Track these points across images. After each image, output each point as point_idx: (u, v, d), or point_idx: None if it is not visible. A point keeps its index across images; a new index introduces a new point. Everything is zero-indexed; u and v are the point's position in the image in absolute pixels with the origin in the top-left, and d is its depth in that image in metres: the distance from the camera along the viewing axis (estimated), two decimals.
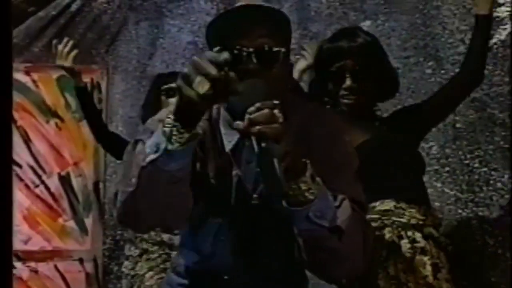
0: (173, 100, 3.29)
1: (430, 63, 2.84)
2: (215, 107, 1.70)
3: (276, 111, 1.40)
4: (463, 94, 2.55)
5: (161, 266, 3.14)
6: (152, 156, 1.44)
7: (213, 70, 1.37)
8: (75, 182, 4.21)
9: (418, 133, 2.58)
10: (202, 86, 1.37)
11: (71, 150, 4.22)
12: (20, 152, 4.16)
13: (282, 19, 1.64)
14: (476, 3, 2.43)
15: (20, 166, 4.16)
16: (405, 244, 2.27)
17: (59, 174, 4.20)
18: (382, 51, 2.51)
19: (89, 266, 4.17)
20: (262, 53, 1.57)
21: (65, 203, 4.19)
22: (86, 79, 4.07)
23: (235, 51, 1.55)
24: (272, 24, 1.60)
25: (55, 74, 4.22)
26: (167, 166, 1.45)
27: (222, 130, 1.69)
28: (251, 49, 1.56)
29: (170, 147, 1.43)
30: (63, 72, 4.07)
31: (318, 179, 1.51)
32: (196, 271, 1.79)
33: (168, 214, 1.58)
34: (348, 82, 2.37)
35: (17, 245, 4.08)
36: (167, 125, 1.44)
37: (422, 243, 2.28)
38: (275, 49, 1.59)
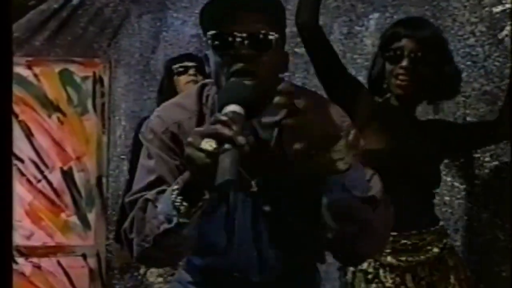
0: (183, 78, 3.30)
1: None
2: (206, 104, 1.75)
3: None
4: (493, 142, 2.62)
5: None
6: (166, 226, 1.53)
7: (217, 128, 1.41)
8: (78, 177, 4.19)
9: (447, 152, 2.57)
10: (209, 145, 1.41)
11: (74, 145, 4.20)
12: (22, 147, 4.13)
13: (277, 6, 1.65)
14: None
15: (22, 161, 4.14)
16: None
17: (61, 169, 4.18)
18: (447, 48, 2.49)
19: (92, 262, 4.16)
20: (255, 38, 1.58)
21: (67, 198, 4.18)
22: (88, 73, 4.19)
23: (229, 37, 1.57)
24: (266, 11, 1.60)
25: (57, 68, 4.20)
26: (181, 232, 1.54)
27: None
28: (244, 34, 1.57)
29: (181, 220, 1.51)
30: (65, 66, 4.18)
31: (353, 150, 1.46)
32: (206, 268, 1.82)
33: (184, 253, 1.74)
34: (404, 62, 2.37)
35: (20, 240, 4.07)
36: (174, 200, 1.52)
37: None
38: (269, 35, 1.59)
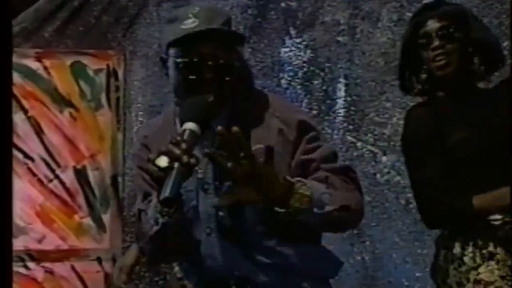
0: None
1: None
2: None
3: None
4: None
5: None
6: (156, 228, 1.85)
7: (169, 147, 1.68)
8: (92, 176, 4.09)
9: None
10: (162, 161, 1.68)
11: (87, 142, 4.09)
12: (32, 145, 4.03)
13: (232, 35, 1.95)
14: None
15: (32, 159, 4.02)
16: None
17: (74, 167, 4.07)
18: (473, 16, 2.52)
19: (108, 266, 4.06)
20: (218, 65, 1.85)
21: (81, 199, 4.07)
22: (101, 65, 4.07)
23: (196, 63, 1.84)
24: (224, 40, 1.88)
25: (68, 60, 4.08)
26: (168, 230, 1.84)
27: None
28: (210, 63, 1.84)
29: (164, 220, 1.82)
30: (77, 58, 4.06)
31: (301, 182, 1.75)
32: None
33: (180, 248, 1.99)
34: (435, 42, 2.39)
35: (31, 244, 4.00)
36: (155, 206, 1.82)
37: None
38: (232, 62, 1.88)
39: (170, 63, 1.90)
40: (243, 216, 1.90)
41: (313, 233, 2.00)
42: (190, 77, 1.84)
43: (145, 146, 2.01)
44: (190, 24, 1.85)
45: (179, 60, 1.85)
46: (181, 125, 1.74)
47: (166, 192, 1.63)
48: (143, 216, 1.93)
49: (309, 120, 1.97)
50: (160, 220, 1.82)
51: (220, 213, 1.91)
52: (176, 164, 1.64)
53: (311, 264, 1.97)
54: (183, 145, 1.66)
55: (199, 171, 1.89)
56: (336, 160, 1.94)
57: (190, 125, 1.71)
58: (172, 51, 1.88)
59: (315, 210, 1.74)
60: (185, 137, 1.69)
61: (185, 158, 1.65)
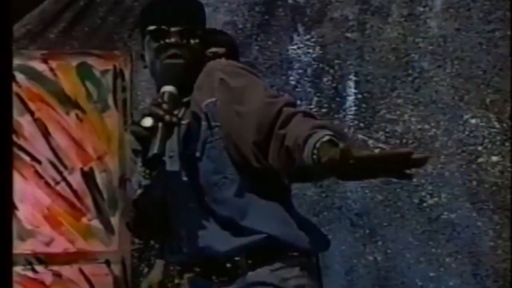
0: None
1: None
2: None
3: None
4: None
5: None
6: (139, 191, 1.99)
7: (152, 108, 1.88)
8: (99, 178, 4.06)
9: None
10: (145, 121, 1.85)
11: (94, 144, 4.07)
12: (38, 147, 4.01)
13: (198, 7, 2.22)
14: None
15: (39, 162, 4.00)
16: None
17: (81, 169, 4.04)
18: None
19: (116, 269, 4.04)
20: (184, 31, 2.08)
21: (89, 201, 4.05)
22: (107, 66, 4.05)
23: (164, 30, 2.07)
24: (191, 11, 2.16)
25: (74, 62, 4.06)
26: (150, 192, 1.99)
27: None
28: (176, 28, 2.06)
29: (145, 182, 1.97)
30: (83, 59, 4.04)
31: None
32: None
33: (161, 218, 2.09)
34: None
35: (39, 247, 3.98)
36: (139, 170, 1.97)
37: None
38: (196, 29, 2.11)
39: (146, 50, 2.14)
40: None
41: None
42: (159, 43, 2.05)
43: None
44: None
45: (151, 28, 2.08)
46: (158, 90, 1.95)
47: (154, 149, 1.79)
48: (128, 184, 2.08)
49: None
50: (143, 183, 1.96)
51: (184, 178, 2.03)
52: (160, 124, 1.82)
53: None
54: (164, 106, 1.85)
55: None
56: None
57: (168, 88, 1.90)
58: (149, 31, 2.10)
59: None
60: (165, 98, 1.87)
61: (167, 117, 1.83)
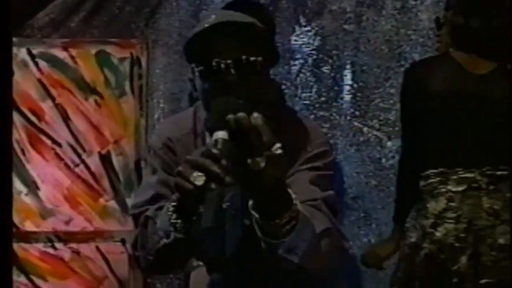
0: None
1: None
2: (199, 123, 1.90)
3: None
4: None
5: None
6: (166, 241, 1.68)
7: (207, 163, 1.47)
8: (116, 161, 4.15)
9: None
10: (198, 179, 1.47)
11: (111, 128, 4.15)
12: (59, 131, 4.11)
13: (256, 30, 1.77)
14: None
15: (60, 145, 4.11)
16: None
17: (99, 152, 4.14)
18: None
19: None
20: (240, 63, 1.70)
21: (106, 183, 4.14)
22: (125, 54, 4.14)
23: (214, 63, 1.69)
24: (246, 37, 1.72)
25: (93, 49, 4.15)
26: (179, 245, 1.68)
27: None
28: (229, 61, 1.69)
29: (178, 236, 1.65)
30: (102, 47, 4.14)
31: (299, 208, 1.53)
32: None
33: (186, 261, 1.93)
34: None
35: (58, 226, 4.09)
36: (170, 217, 1.65)
37: None
38: (252, 58, 1.71)
39: (196, 79, 1.79)
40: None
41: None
42: (212, 84, 1.71)
43: (170, 148, 1.88)
44: (204, 25, 1.73)
45: (196, 64, 1.73)
46: (211, 134, 1.54)
47: (210, 220, 1.47)
48: (151, 224, 1.77)
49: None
50: (173, 235, 1.66)
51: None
52: (213, 185, 1.46)
53: None
54: (223, 162, 1.44)
55: None
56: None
57: (221, 134, 1.47)
58: (195, 68, 1.76)
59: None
60: (219, 146, 1.46)
61: (227, 180, 1.45)
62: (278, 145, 1.42)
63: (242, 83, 1.69)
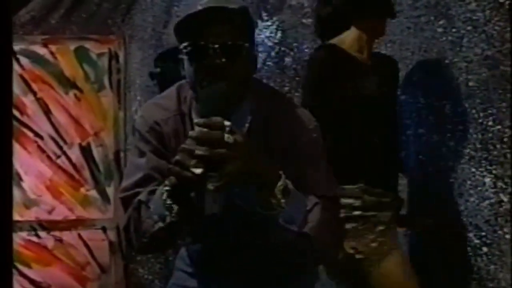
0: None
1: (441, 22, 2.78)
2: (184, 103, 1.89)
3: (226, 135, 1.56)
4: None
5: None
6: (161, 224, 1.69)
7: (203, 151, 1.55)
8: (96, 152, 4.25)
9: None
10: (199, 169, 1.54)
11: (91, 121, 4.25)
12: (41, 124, 4.20)
13: (244, 16, 1.79)
14: None
15: (41, 137, 4.21)
16: None
17: (80, 144, 4.24)
18: None
19: (112, 234, 4.24)
20: (226, 48, 1.71)
21: (86, 173, 4.24)
22: (103, 49, 4.24)
23: (202, 48, 1.71)
24: (234, 21, 1.74)
25: (73, 46, 4.25)
26: (174, 228, 1.71)
27: None
28: (216, 45, 1.70)
29: (174, 219, 1.67)
30: (81, 43, 4.23)
31: (290, 187, 1.67)
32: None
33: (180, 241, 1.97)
34: None
35: (42, 215, 4.18)
36: (165, 201, 1.67)
37: None
38: (239, 44, 1.74)
39: (184, 59, 1.79)
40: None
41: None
42: (199, 63, 1.72)
43: (157, 132, 1.85)
44: (197, 7, 1.73)
45: (185, 45, 1.74)
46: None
47: (215, 208, 1.54)
48: (144, 209, 1.76)
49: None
50: (168, 219, 1.68)
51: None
52: (213, 173, 1.53)
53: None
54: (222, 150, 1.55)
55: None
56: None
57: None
58: (184, 47, 1.76)
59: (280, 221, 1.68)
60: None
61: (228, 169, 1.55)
62: (227, 128, 1.57)
63: (229, 67, 1.71)
